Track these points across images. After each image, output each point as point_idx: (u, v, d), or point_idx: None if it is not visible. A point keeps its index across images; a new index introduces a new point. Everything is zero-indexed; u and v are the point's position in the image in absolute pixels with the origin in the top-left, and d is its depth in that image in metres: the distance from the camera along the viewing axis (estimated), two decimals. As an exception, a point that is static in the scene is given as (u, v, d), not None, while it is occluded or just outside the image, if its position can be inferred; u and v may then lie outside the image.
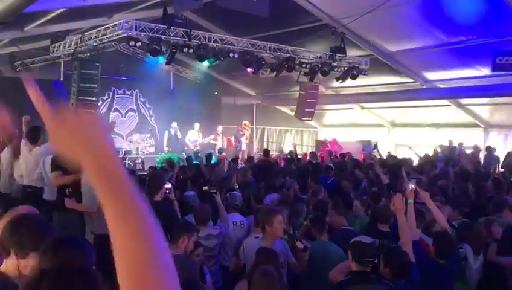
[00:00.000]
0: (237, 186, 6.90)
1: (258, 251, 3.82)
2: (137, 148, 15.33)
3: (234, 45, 11.16)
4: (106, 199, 0.89)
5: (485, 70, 11.64)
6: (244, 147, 16.31)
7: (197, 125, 15.86)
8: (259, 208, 5.24)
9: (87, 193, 4.67)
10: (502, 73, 10.94)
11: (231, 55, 11.07)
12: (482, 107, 15.51)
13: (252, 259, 3.99)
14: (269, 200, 6.11)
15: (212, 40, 10.85)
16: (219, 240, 4.75)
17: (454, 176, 8.91)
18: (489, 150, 13.18)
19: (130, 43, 9.96)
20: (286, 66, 11.97)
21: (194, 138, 15.82)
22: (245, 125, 17.28)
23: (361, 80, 13.59)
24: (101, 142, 0.93)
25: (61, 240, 2.09)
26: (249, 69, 12.23)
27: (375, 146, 14.75)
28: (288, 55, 11.90)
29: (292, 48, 12.01)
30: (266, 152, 11.72)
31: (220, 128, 16.39)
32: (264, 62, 11.83)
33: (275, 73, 12.55)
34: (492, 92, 12.61)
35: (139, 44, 10.01)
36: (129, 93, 16.39)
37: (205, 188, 5.62)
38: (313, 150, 16.86)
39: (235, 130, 17.47)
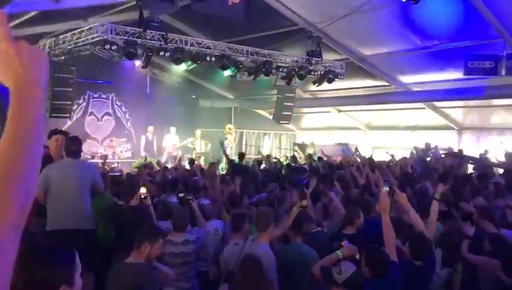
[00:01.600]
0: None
1: (243, 260, 3.80)
2: (113, 153, 15.15)
3: (211, 48, 11.15)
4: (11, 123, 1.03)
5: (458, 74, 11.88)
6: (228, 151, 16.31)
7: (173, 129, 15.79)
8: (237, 213, 5.22)
9: None
10: (474, 76, 11.19)
11: (208, 58, 11.04)
12: (456, 110, 15.85)
13: (233, 266, 4.04)
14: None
15: (189, 43, 10.81)
16: (196, 246, 4.72)
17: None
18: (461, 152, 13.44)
19: (106, 47, 9.84)
20: (263, 69, 12.02)
21: (172, 142, 15.75)
22: (229, 129, 17.28)
23: (337, 84, 13.74)
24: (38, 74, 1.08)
25: (38, 250, 1.63)
26: (226, 72, 12.22)
27: (356, 149, 14.88)
28: (265, 58, 11.95)
29: (269, 51, 12.07)
30: (241, 155, 11.73)
31: (198, 132, 16.34)
32: (241, 65, 11.85)
33: (252, 76, 12.57)
34: (464, 95, 12.87)
35: (114, 47, 9.89)
36: (105, 97, 16.20)
37: (181, 195, 5.58)
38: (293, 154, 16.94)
39: (213, 133, 17.45)
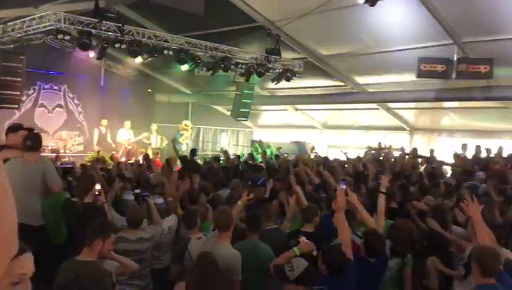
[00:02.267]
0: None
1: (198, 256, 3.74)
2: (64, 146, 14.64)
3: (169, 42, 10.95)
4: None
5: (411, 76, 12.23)
6: (184, 147, 16.12)
7: (128, 123, 15.44)
8: (193, 209, 5.16)
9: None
10: (426, 79, 11.55)
11: (165, 52, 10.83)
12: (408, 111, 16.36)
13: None
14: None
15: (146, 36, 10.57)
16: (151, 243, 4.62)
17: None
18: (414, 151, 13.87)
19: (58, 36, 9.46)
20: (222, 65, 11.93)
21: (126, 136, 15.40)
22: (185, 125, 17.10)
23: (295, 82, 13.84)
24: None
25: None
26: (183, 67, 12.04)
27: (313, 148, 15.07)
28: (224, 54, 11.86)
29: (228, 47, 11.99)
30: (193, 151, 11.65)
31: (154, 127, 16.05)
32: (199, 61, 11.71)
33: (210, 72, 12.45)
34: (416, 97, 13.27)
35: (68, 37, 9.52)
36: (57, 88, 15.63)
37: (137, 191, 5.45)
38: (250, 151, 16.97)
39: (170, 129, 17.21)
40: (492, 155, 11.32)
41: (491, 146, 11.76)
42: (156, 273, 4.81)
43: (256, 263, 4.25)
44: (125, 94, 16.82)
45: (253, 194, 4.74)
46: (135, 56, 10.83)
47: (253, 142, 19.66)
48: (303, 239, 3.97)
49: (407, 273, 4.65)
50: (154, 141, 15.97)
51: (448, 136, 15.56)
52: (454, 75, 10.69)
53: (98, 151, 9.65)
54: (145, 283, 4.54)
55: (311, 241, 3.96)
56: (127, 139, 15.33)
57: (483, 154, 11.75)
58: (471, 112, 14.52)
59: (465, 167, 10.05)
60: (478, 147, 11.90)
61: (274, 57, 12.38)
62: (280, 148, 15.96)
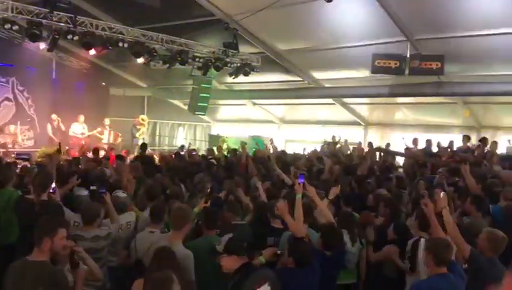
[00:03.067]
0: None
1: (156, 252, 3.66)
2: (13, 141, 14.01)
3: (124, 34, 10.69)
4: None
5: (366, 72, 12.50)
6: (140, 142, 15.82)
7: (81, 117, 14.97)
8: (158, 203, 5.05)
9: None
10: (380, 75, 11.83)
11: (120, 44, 10.56)
12: (363, 106, 16.73)
13: (144, 252, 3.92)
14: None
15: (100, 27, 10.27)
16: (107, 241, 4.49)
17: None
18: (371, 145, 14.21)
19: (6, 26, 9.02)
20: (179, 58, 11.76)
21: (80, 131, 14.93)
22: (142, 120, 16.79)
23: (253, 77, 13.85)
24: None
25: None
26: (139, 60, 11.78)
27: (271, 141, 15.09)
28: (181, 48, 11.70)
29: (185, 41, 11.84)
30: (143, 146, 11.49)
31: (107, 121, 15.61)
32: (155, 54, 11.49)
33: (167, 65, 12.25)
34: (371, 93, 13.58)
35: (16, 27, 9.11)
36: (4, 80, 14.94)
37: (93, 187, 5.28)
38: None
39: (124, 123, 16.85)
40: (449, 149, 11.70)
41: (440, 140, 12.17)
42: (112, 272, 4.69)
43: (210, 258, 4.24)
44: (78, 87, 16.27)
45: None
46: (88, 48, 10.50)
47: (210, 136, 19.54)
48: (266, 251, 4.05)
49: (363, 255, 4.86)
50: (107, 136, 15.54)
51: (401, 131, 16.00)
52: (407, 71, 11.01)
53: (59, 146, 9.11)
54: (101, 282, 4.41)
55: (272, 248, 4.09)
56: (81, 133, 14.87)
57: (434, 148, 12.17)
58: (422, 108, 15.01)
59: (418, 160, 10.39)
60: (429, 141, 12.31)
61: (232, 51, 12.33)
62: (246, 143, 15.87)
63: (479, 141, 11.71)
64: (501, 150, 11.01)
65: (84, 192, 5.83)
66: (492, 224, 5.38)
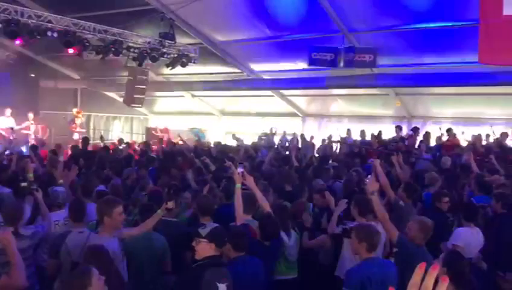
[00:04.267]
0: (62, 181, 6.25)
1: (86, 250, 3.54)
2: None
3: (53, 23, 10.14)
4: None
5: (303, 64, 12.70)
6: (76, 136, 15.18)
7: (8, 111, 14.08)
8: (75, 200, 4.85)
9: None
10: (317, 67, 12.06)
11: (49, 34, 10.02)
12: (300, 98, 17.02)
13: (79, 254, 3.76)
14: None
15: (26, 15, 9.68)
16: (33, 240, 4.25)
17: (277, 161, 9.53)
18: (304, 137, 14.51)
19: None
20: (113, 49, 11.34)
21: (7, 125, 14.04)
22: (77, 112, 16.10)
23: (191, 68, 13.66)
24: None
25: None
26: (70, 50, 11.23)
27: (235, 136, 14.92)
28: (114, 38, 11.29)
29: (119, 30, 11.43)
30: (85, 140, 11.06)
31: (30, 115, 14.62)
32: (88, 44, 11.01)
33: (100, 56, 11.78)
34: (308, 85, 13.82)
35: None
36: None
37: (24, 184, 4.99)
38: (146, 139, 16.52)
39: (56, 117, 16.10)
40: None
41: (374, 130, 12.62)
42: (43, 272, 4.45)
43: (149, 255, 4.22)
44: (3, 79, 15.30)
45: (172, 202, 4.51)
46: (13, 38, 9.87)
47: (147, 129, 19.10)
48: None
49: (299, 243, 4.87)
50: (35, 130, 14.71)
51: (337, 122, 16.45)
52: (342, 64, 11.28)
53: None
54: (28, 283, 4.16)
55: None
56: (9, 127, 13.99)
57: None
58: (357, 99, 15.50)
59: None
60: (362, 132, 12.73)
61: (168, 41, 12.06)
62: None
63: (411, 130, 12.29)
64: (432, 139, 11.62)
65: (6, 190, 5.52)
66: (423, 210, 5.69)
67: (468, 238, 4.65)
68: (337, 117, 16.73)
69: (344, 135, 13.35)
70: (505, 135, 10.94)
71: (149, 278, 4.22)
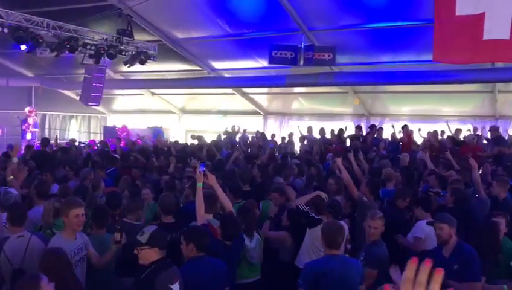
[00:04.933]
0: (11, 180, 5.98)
1: (44, 255, 3.45)
2: None
3: (3, 18, 9.71)
4: None
5: (264, 62, 12.71)
6: (29, 136, 14.65)
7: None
8: (17, 204, 4.69)
9: None
10: (277, 65, 12.09)
11: (-1, 29, 9.59)
12: (262, 96, 17.04)
13: (20, 260, 3.68)
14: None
15: (-27, 9, 9.22)
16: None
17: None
18: (264, 136, 14.54)
19: None
20: (68, 46, 10.97)
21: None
22: (29, 112, 15.53)
23: (151, 66, 13.43)
24: None
25: None
26: (23, 47, 10.80)
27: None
28: (70, 34, 10.92)
29: (75, 27, 11.07)
30: (44, 141, 10.68)
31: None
32: (41, 40, 10.61)
33: (55, 53, 11.37)
34: (269, 83, 13.85)
35: None
36: None
37: None
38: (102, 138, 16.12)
39: (8, 116, 15.49)
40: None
41: (334, 128, 12.80)
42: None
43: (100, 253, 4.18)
44: None
45: (119, 235, 4.39)
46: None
47: (106, 128, 18.66)
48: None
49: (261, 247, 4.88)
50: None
51: (298, 120, 16.59)
52: (302, 62, 11.35)
53: None
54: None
55: None
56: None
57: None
58: (317, 97, 15.65)
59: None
60: (322, 130, 12.88)
61: (126, 38, 11.80)
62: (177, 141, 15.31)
63: (368, 127, 12.54)
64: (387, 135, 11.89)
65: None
66: (381, 207, 5.82)
67: (429, 230, 4.80)
68: (298, 115, 16.86)
69: (305, 132, 13.46)
70: (459, 131, 11.35)
71: (105, 279, 4.15)
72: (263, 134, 14.63)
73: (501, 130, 11.16)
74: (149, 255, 3.32)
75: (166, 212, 4.80)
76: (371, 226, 4.29)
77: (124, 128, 17.63)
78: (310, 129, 13.57)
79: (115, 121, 19.74)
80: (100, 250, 4.12)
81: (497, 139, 10.12)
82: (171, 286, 3.20)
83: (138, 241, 3.32)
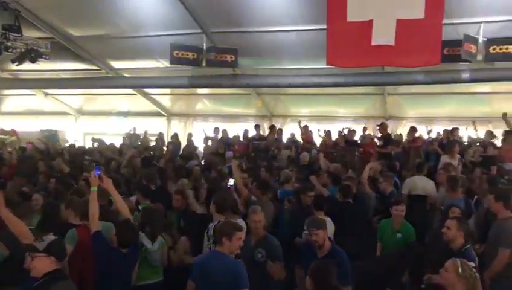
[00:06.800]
0: None
1: None
2: None
3: None
4: None
5: (165, 63, 12.45)
6: None
7: None
8: None
9: None
10: (180, 66, 11.91)
11: None
12: (165, 97, 16.74)
13: None
14: None
15: None
16: None
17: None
18: (176, 137, 14.35)
19: None
20: None
21: None
22: None
23: (43, 65, 12.51)
24: None
25: None
26: None
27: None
28: None
29: (-48, 20, 10.00)
30: None
31: None
32: None
33: None
34: (171, 83, 13.61)
35: None
36: None
37: None
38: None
39: None
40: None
41: (238, 129, 12.98)
42: None
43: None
44: None
45: None
46: None
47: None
48: None
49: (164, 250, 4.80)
50: None
51: (202, 121, 16.54)
52: (204, 63, 11.29)
53: None
54: None
55: None
56: None
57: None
58: (221, 98, 15.75)
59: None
60: (225, 131, 12.95)
61: (13, 34, 10.88)
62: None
63: (269, 128, 12.89)
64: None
65: None
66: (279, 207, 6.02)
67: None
68: (202, 116, 16.82)
69: (210, 134, 13.46)
70: (353, 132, 12.05)
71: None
72: (161, 134, 14.42)
73: (390, 130, 12.04)
74: (45, 264, 3.15)
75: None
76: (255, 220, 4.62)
77: (13, 131, 16.30)
78: (216, 130, 13.56)
79: (3, 124, 18.15)
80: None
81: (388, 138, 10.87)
82: None
83: (34, 248, 3.16)
